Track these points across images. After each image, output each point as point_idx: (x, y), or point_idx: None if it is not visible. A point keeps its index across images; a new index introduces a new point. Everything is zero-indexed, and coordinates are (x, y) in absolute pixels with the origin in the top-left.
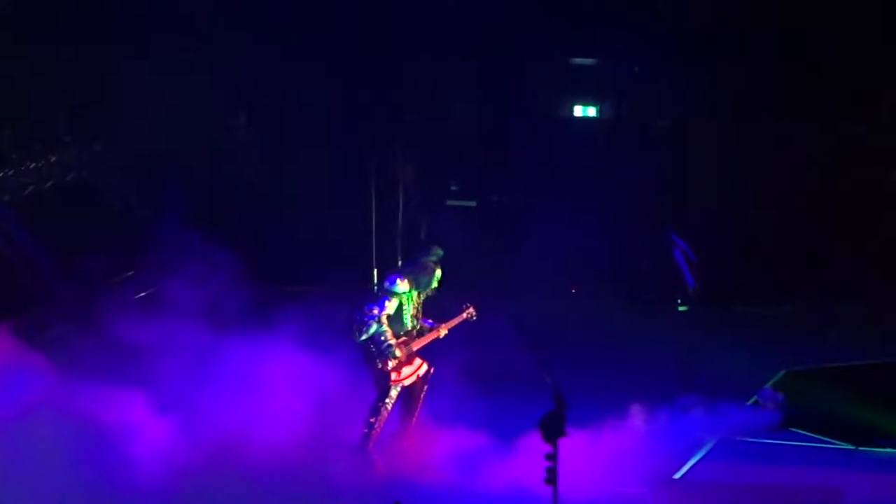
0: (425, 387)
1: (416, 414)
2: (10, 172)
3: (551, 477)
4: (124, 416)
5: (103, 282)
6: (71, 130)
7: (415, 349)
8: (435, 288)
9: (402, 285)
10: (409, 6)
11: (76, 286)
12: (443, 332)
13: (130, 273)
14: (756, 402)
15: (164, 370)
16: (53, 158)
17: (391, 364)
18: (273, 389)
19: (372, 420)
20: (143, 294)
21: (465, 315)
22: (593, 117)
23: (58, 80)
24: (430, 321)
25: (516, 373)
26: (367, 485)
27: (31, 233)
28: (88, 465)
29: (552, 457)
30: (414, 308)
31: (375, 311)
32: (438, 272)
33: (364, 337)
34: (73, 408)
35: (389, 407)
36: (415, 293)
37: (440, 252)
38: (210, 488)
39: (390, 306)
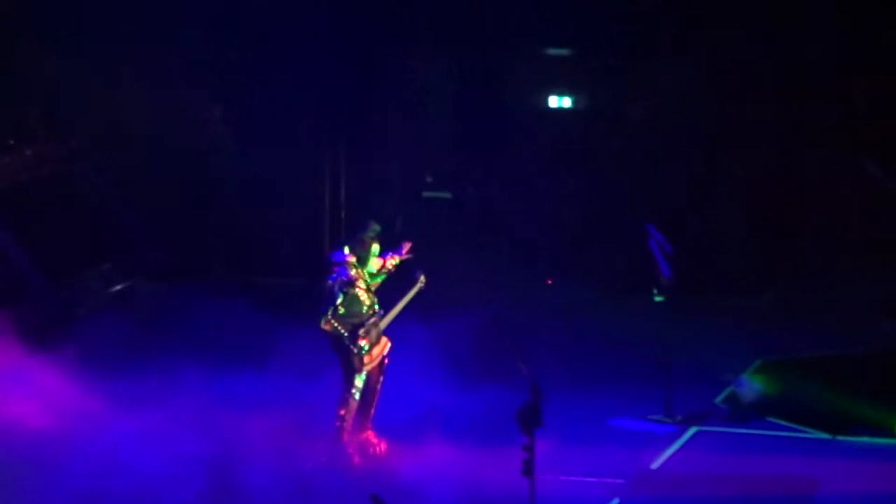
0: (381, 378)
1: (375, 405)
2: None
3: (528, 468)
4: (94, 411)
5: (79, 275)
6: (46, 124)
7: (382, 327)
8: (373, 264)
9: (348, 256)
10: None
11: (52, 280)
12: (401, 304)
13: (106, 266)
14: (732, 392)
15: (136, 367)
16: (28, 153)
17: (363, 343)
18: (246, 384)
19: (342, 412)
20: (118, 287)
21: (419, 285)
22: (568, 108)
23: (32, 74)
24: (380, 311)
25: (492, 363)
26: (344, 478)
27: (5, 227)
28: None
29: (529, 448)
30: (365, 285)
31: (340, 280)
32: (375, 247)
33: (340, 311)
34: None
35: (357, 396)
36: (358, 269)
37: (377, 227)
38: (184, 485)
39: (352, 273)
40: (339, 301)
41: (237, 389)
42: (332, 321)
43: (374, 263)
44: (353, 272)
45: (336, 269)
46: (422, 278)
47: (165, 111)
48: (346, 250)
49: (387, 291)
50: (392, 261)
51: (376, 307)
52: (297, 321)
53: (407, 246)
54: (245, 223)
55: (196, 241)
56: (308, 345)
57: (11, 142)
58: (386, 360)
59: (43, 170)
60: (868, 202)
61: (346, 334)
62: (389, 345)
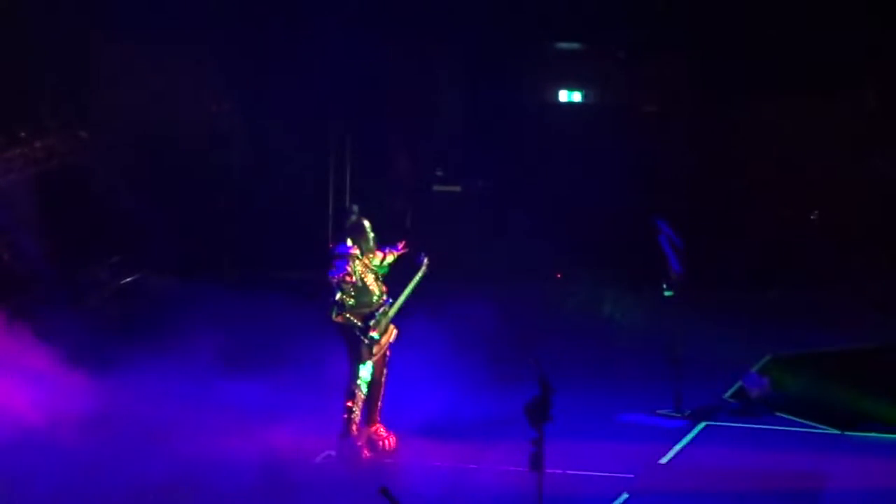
0: (385, 370)
1: (382, 398)
2: None
3: (536, 462)
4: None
5: (89, 267)
6: (56, 116)
7: (391, 315)
8: (375, 257)
9: (351, 248)
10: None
11: (62, 271)
12: (408, 290)
13: (115, 259)
14: (741, 387)
15: (143, 358)
16: (38, 144)
17: (373, 334)
18: (252, 377)
19: (350, 404)
20: (127, 280)
21: (424, 269)
22: (578, 102)
23: (43, 64)
24: (388, 299)
25: (502, 357)
26: (353, 472)
27: (15, 218)
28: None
29: (538, 442)
30: (373, 275)
31: (338, 277)
32: (367, 223)
33: (347, 307)
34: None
35: (364, 388)
36: (365, 258)
37: (356, 207)
38: (195, 481)
39: (350, 268)
40: (340, 295)
41: (244, 382)
42: (345, 313)
43: (376, 257)
44: (356, 264)
45: (336, 262)
46: (426, 262)
47: (176, 107)
48: (349, 242)
49: (392, 278)
50: (390, 256)
51: (384, 296)
52: (304, 313)
53: (402, 243)
54: (253, 217)
55: (204, 235)
56: (315, 337)
57: (22, 134)
58: (388, 353)
59: (53, 162)
60: (874, 198)
61: (359, 325)
62: (396, 332)
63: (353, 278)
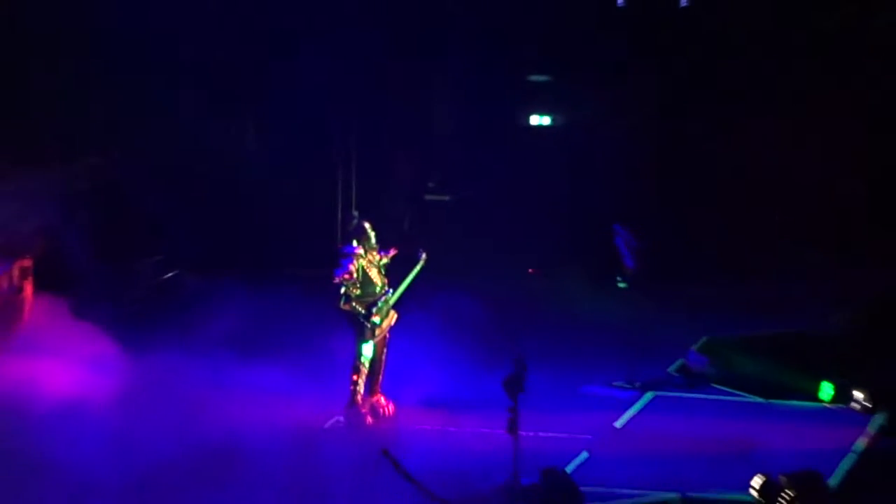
0: (385, 349)
1: (382, 373)
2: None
3: (512, 426)
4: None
5: (133, 266)
6: (100, 138)
7: (392, 303)
8: (375, 239)
9: (356, 248)
10: (402, 36)
11: (110, 269)
12: (407, 281)
13: (156, 258)
14: (683, 363)
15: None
16: (88, 162)
17: (375, 319)
18: (273, 362)
19: (355, 377)
20: (166, 276)
21: (422, 262)
22: (547, 125)
23: (90, 95)
24: (388, 289)
25: (484, 340)
26: (358, 435)
27: (72, 224)
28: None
29: (513, 410)
30: (376, 268)
31: (339, 278)
32: (367, 224)
33: (353, 297)
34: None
35: (367, 364)
36: (368, 255)
37: (356, 213)
38: (225, 444)
39: (353, 267)
40: (346, 288)
41: (263, 364)
42: (351, 302)
43: (375, 257)
44: (361, 262)
45: (342, 261)
46: (423, 256)
47: (202, 130)
48: (355, 243)
49: (395, 273)
50: (385, 258)
51: (386, 287)
52: (315, 307)
53: (394, 249)
54: (269, 221)
55: (227, 237)
56: (324, 327)
57: (73, 153)
58: (388, 335)
59: (94, 178)
60: (818, 204)
61: (363, 312)
62: (396, 316)
63: (354, 276)
